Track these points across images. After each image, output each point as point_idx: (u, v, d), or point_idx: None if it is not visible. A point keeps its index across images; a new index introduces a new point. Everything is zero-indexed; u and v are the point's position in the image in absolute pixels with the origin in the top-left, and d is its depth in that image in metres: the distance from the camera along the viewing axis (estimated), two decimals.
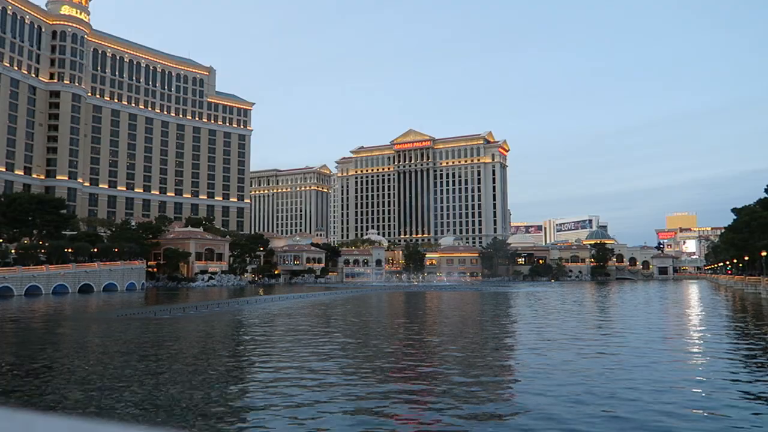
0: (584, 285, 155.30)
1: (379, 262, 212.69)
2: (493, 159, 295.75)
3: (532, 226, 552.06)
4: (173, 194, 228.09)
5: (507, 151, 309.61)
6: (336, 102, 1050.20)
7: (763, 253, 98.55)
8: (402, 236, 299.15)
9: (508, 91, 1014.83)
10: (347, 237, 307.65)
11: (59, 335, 40.44)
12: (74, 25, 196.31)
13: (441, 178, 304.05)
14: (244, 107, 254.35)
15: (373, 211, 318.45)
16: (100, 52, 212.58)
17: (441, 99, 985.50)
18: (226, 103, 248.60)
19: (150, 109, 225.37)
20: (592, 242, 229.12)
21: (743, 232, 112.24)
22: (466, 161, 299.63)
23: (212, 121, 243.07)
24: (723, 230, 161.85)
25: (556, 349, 31.24)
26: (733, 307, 65.98)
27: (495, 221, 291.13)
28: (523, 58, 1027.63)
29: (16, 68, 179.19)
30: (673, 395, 19.75)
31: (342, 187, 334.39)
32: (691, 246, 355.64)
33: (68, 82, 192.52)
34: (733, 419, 16.74)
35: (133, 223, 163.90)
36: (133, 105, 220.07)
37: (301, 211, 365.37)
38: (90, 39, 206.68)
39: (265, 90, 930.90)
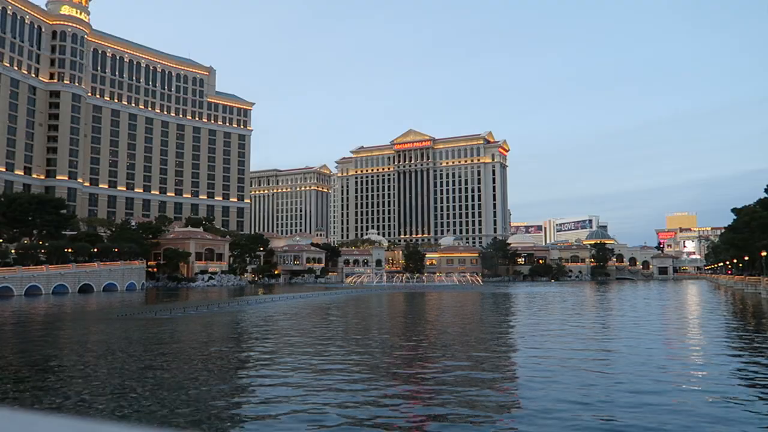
0: (584, 285, 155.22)
1: (379, 262, 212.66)
2: (493, 159, 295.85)
3: (532, 226, 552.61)
4: (173, 194, 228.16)
5: (507, 151, 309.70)
6: (336, 102, 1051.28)
7: (763, 253, 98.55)
8: (402, 236, 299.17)
9: (507, 91, 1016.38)
10: (347, 237, 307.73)
11: (59, 335, 40.43)
12: (74, 25, 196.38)
13: (441, 178, 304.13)
14: (244, 107, 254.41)
15: (373, 211, 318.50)
16: (100, 52, 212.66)
17: (441, 99, 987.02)
18: (226, 103, 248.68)
19: (150, 109, 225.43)
20: (592, 242, 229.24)
21: (743, 232, 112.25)
22: (466, 161, 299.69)
23: (212, 121, 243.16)
24: (723, 230, 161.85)
25: (556, 349, 31.21)
26: (732, 307, 65.94)
27: (495, 221, 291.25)
28: (523, 58, 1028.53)
29: (16, 68, 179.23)
30: (672, 395, 19.74)
31: (342, 187, 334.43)
32: (691, 246, 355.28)
33: (68, 82, 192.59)
34: (733, 421, 16.73)
35: (133, 223, 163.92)
36: (133, 105, 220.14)
37: (301, 211, 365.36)
38: (90, 39, 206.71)
39: (265, 90, 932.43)
